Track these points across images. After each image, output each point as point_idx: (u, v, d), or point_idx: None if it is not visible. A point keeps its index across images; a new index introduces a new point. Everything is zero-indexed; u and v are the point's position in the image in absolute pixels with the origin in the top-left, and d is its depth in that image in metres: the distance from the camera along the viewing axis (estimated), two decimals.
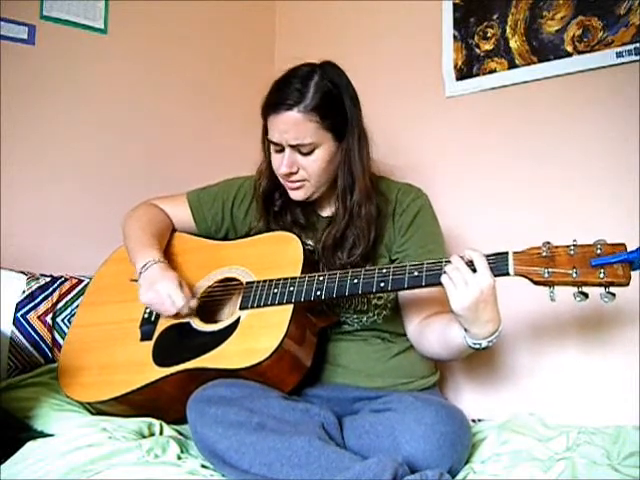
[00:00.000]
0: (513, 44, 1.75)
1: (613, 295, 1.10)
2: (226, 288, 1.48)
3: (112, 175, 1.97)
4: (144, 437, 1.28)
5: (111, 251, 1.65)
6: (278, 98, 1.37)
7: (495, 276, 1.16)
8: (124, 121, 2.02)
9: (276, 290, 1.35)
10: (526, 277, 1.16)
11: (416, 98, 1.97)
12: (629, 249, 1.10)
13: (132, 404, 1.37)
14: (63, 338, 1.65)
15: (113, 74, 2.01)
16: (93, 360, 1.45)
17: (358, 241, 1.41)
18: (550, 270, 1.13)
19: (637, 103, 1.53)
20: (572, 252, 1.13)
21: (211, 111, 2.22)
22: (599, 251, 1.11)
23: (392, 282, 1.26)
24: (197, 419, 1.20)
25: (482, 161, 1.82)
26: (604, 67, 1.59)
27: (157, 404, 1.38)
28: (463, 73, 1.85)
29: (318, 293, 1.31)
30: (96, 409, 1.41)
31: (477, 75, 1.82)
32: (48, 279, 1.71)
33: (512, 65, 1.76)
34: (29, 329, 1.65)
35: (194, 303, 1.41)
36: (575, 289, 1.13)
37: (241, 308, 1.37)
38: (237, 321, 1.36)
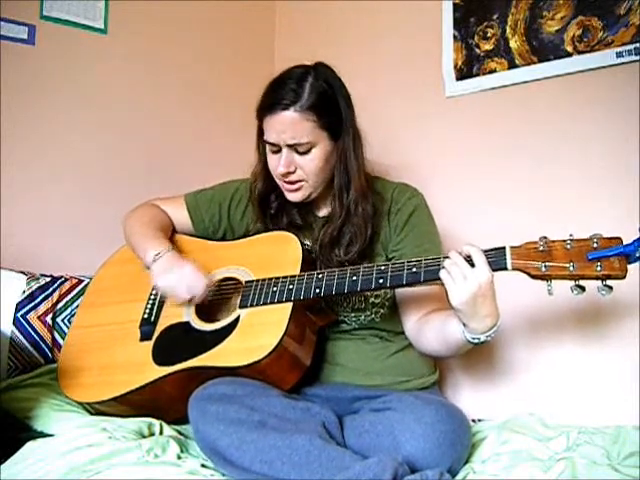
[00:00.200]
0: (513, 44, 1.75)
1: (610, 288, 1.12)
2: (226, 288, 1.48)
3: (112, 175, 1.97)
4: (144, 437, 1.28)
5: (111, 251, 1.65)
6: (274, 99, 1.38)
7: (493, 271, 1.18)
8: (124, 121, 2.02)
9: (275, 288, 1.35)
10: (524, 271, 1.17)
11: (416, 98, 1.97)
12: (625, 242, 1.11)
13: (132, 404, 1.38)
14: (63, 338, 1.65)
15: (113, 74, 2.01)
16: (93, 361, 1.45)
17: (355, 239, 1.42)
18: (547, 264, 1.14)
19: (637, 103, 1.53)
20: (569, 246, 1.14)
21: (211, 111, 2.22)
22: (595, 245, 1.13)
23: (391, 278, 1.26)
24: (198, 417, 1.20)
25: (482, 161, 1.82)
26: (604, 67, 1.59)
27: (157, 404, 1.39)
28: (463, 73, 1.85)
29: (317, 291, 1.31)
30: (96, 410, 1.41)
31: (477, 75, 1.82)
32: (48, 279, 1.72)
33: (512, 65, 1.76)
34: (29, 329, 1.65)
35: (209, 289, 1.42)
36: (572, 283, 1.15)
37: (241, 307, 1.38)
38: (237, 320, 1.36)
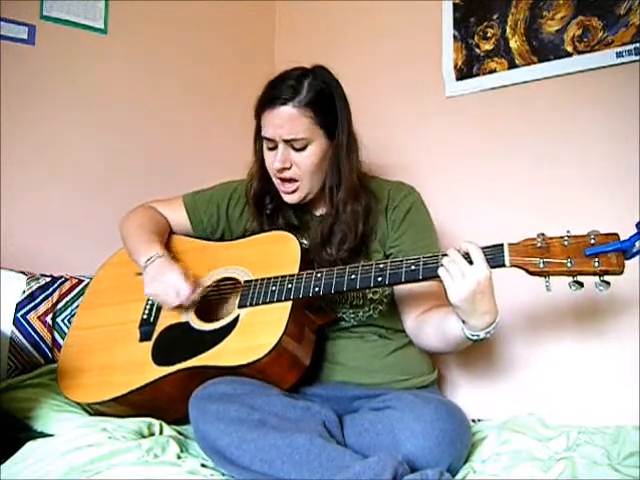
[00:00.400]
0: (513, 44, 1.75)
1: (608, 284, 1.13)
2: (225, 288, 1.48)
3: (112, 175, 1.97)
4: (144, 437, 1.28)
5: (111, 251, 1.65)
6: (272, 94, 1.41)
7: (491, 267, 1.18)
8: (124, 121, 2.02)
9: (274, 288, 1.35)
10: (522, 268, 1.18)
11: (416, 98, 1.97)
12: (622, 238, 1.12)
13: (132, 404, 1.38)
14: (63, 338, 1.65)
15: (113, 74, 2.01)
16: (93, 361, 1.46)
17: (345, 237, 1.43)
18: (545, 260, 1.16)
19: (637, 103, 1.53)
20: (566, 242, 1.15)
21: (211, 111, 2.22)
22: (593, 241, 1.14)
23: (389, 276, 1.27)
24: (199, 416, 1.21)
25: (482, 161, 1.82)
26: (604, 67, 1.59)
27: (157, 404, 1.39)
28: (463, 73, 1.85)
29: (316, 289, 1.32)
30: (95, 410, 1.41)
31: (477, 75, 1.82)
32: (48, 279, 1.72)
33: (512, 65, 1.76)
34: (29, 329, 1.65)
35: (197, 295, 1.42)
36: (570, 279, 1.16)
37: (240, 306, 1.38)
38: (236, 319, 1.36)
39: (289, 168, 1.42)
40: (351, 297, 1.44)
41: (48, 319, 1.67)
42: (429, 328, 1.38)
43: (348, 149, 1.44)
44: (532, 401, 1.59)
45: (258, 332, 1.32)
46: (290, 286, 1.34)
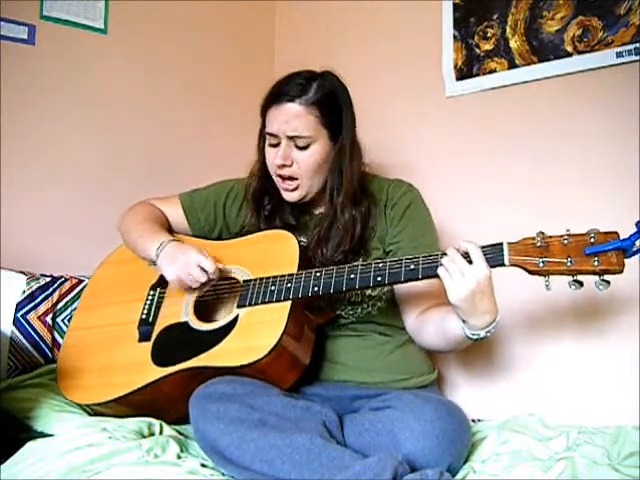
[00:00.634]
0: (513, 44, 1.75)
1: (608, 282, 1.13)
2: (223, 287, 1.48)
3: (112, 175, 1.97)
4: (144, 437, 1.28)
5: (111, 251, 1.65)
6: (280, 91, 1.42)
7: (491, 267, 1.18)
8: (124, 121, 2.02)
9: (273, 287, 1.35)
10: (521, 267, 1.18)
11: (416, 98, 1.97)
12: (622, 237, 1.12)
13: (132, 405, 1.38)
14: (63, 338, 1.65)
15: (113, 74, 2.01)
16: (92, 362, 1.45)
17: (341, 240, 1.43)
18: (545, 260, 1.15)
19: (637, 103, 1.53)
20: (566, 241, 1.15)
21: (211, 111, 2.22)
22: (593, 240, 1.13)
23: (389, 276, 1.27)
24: (199, 416, 1.21)
25: (482, 161, 1.82)
26: (604, 67, 1.59)
27: (157, 404, 1.39)
28: (463, 73, 1.85)
29: (315, 289, 1.32)
30: (95, 411, 1.41)
31: (477, 75, 1.82)
32: (48, 279, 1.71)
33: (512, 65, 1.76)
34: (29, 329, 1.65)
35: (220, 267, 1.42)
36: (570, 278, 1.15)
37: (239, 306, 1.38)
38: (235, 319, 1.36)
39: (290, 166, 1.43)
40: (349, 294, 1.44)
41: (48, 319, 1.67)
42: (429, 327, 1.39)
43: (351, 154, 1.45)
44: (532, 401, 1.59)
45: (257, 332, 1.32)
46: (289, 286, 1.34)
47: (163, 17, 2.11)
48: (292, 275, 1.35)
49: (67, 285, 1.73)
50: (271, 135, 1.43)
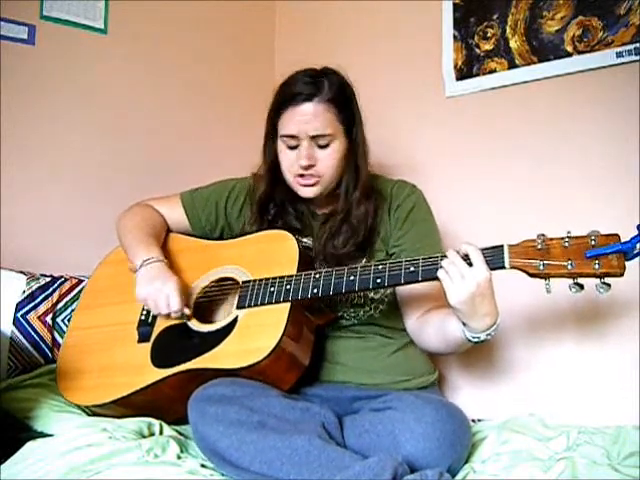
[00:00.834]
0: (513, 44, 1.75)
1: (608, 285, 1.12)
2: (222, 288, 1.48)
3: (112, 175, 1.97)
4: (144, 437, 1.28)
5: (110, 251, 1.65)
6: (293, 92, 1.40)
7: (491, 269, 1.18)
8: (124, 121, 2.02)
9: (272, 289, 1.35)
10: (522, 270, 1.17)
11: (416, 98, 1.97)
12: (622, 240, 1.11)
13: (131, 406, 1.37)
14: (63, 338, 1.65)
15: (113, 74, 2.00)
16: (92, 363, 1.45)
17: (354, 233, 1.43)
18: (545, 262, 1.15)
19: (637, 103, 1.53)
20: (566, 244, 1.14)
21: (211, 111, 2.22)
22: (593, 242, 1.13)
23: (388, 278, 1.26)
24: (198, 418, 1.20)
25: (482, 161, 1.82)
26: (604, 67, 1.59)
27: (156, 405, 1.38)
28: (463, 73, 1.85)
29: (315, 291, 1.31)
30: (94, 412, 1.41)
31: (477, 75, 1.82)
32: (48, 279, 1.71)
33: (512, 65, 1.76)
34: (29, 329, 1.65)
35: (187, 311, 1.41)
36: (570, 281, 1.15)
37: (238, 307, 1.38)
38: (234, 321, 1.36)
39: (314, 165, 1.41)
40: (352, 296, 1.44)
41: (48, 319, 1.67)
42: (430, 329, 1.38)
43: (364, 149, 1.46)
44: (533, 402, 1.58)
45: (257, 334, 1.31)
46: (289, 287, 1.33)
47: (163, 17, 2.11)
48: (291, 276, 1.35)
49: (67, 285, 1.73)
50: (290, 137, 1.41)
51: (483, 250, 1.20)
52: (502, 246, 1.19)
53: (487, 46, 1.81)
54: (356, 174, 1.45)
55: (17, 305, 1.64)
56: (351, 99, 1.45)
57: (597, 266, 1.11)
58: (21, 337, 1.63)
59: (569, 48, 1.65)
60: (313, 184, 1.44)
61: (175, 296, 1.37)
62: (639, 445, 1.24)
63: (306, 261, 1.41)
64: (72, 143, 1.92)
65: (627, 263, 1.11)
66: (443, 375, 1.77)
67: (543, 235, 1.17)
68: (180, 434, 1.35)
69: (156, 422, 1.34)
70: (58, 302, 1.70)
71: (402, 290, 1.45)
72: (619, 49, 1.56)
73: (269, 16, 2.41)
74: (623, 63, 1.56)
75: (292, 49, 2.31)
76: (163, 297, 1.37)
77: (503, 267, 1.18)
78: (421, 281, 1.25)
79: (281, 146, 1.45)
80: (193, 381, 1.30)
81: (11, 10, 1.80)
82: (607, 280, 1.12)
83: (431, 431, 1.13)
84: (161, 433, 1.33)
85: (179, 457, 1.22)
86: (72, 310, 1.69)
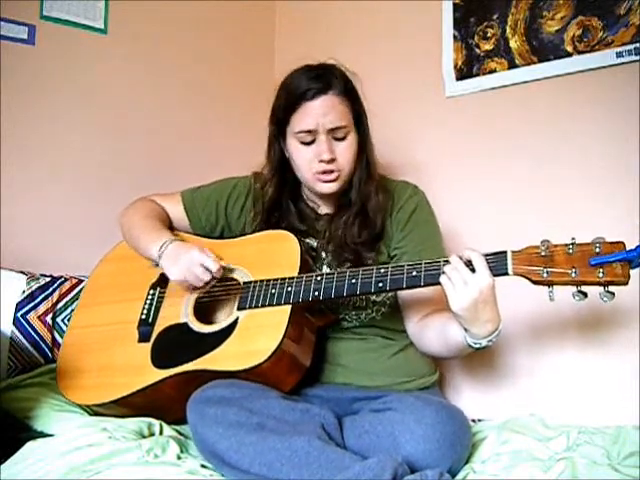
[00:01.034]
0: (513, 44, 1.75)
1: (612, 294, 1.10)
2: (223, 288, 1.47)
3: (112, 175, 1.97)
4: (144, 437, 1.28)
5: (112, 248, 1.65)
6: (304, 88, 1.38)
7: (494, 276, 1.16)
8: (124, 121, 2.02)
9: (274, 290, 1.34)
10: (525, 277, 1.15)
11: (416, 98, 1.97)
12: (628, 248, 1.10)
13: (131, 406, 1.37)
14: (63, 338, 1.65)
15: (113, 74, 2.00)
16: (92, 362, 1.45)
17: (369, 223, 1.43)
18: (549, 270, 1.13)
19: (637, 103, 1.53)
20: (571, 251, 1.13)
21: (211, 111, 2.22)
22: (598, 250, 1.11)
23: (390, 282, 1.26)
24: (197, 420, 1.20)
25: (482, 161, 1.82)
26: (604, 67, 1.59)
27: (156, 405, 1.38)
28: (463, 73, 1.85)
29: (316, 293, 1.31)
30: (95, 411, 1.41)
31: (477, 75, 1.82)
32: (48, 279, 1.71)
33: (512, 65, 1.76)
34: (29, 329, 1.65)
35: (223, 265, 1.40)
36: (574, 288, 1.13)
37: (239, 309, 1.37)
38: (235, 322, 1.35)
39: (335, 159, 1.40)
40: (354, 299, 1.43)
41: (48, 319, 1.67)
42: (431, 333, 1.37)
43: (372, 143, 1.46)
44: (534, 406, 1.57)
45: (257, 336, 1.31)
46: (290, 289, 1.33)
47: (163, 17, 2.11)
48: (292, 278, 1.34)
49: (67, 285, 1.73)
50: (307, 132, 1.39)
51: (486, 256, 1.18)
52: (505, 252, 1.18)
53: (487, 46, 1.81)
54: (368, 167, 1.45)
55: (17, 305, 1.65)
56: (357, 92, 1.45)
57: (601, 274, 1.09)
58: (21, 337, 1.63)
59: (569, 48, 1.65)
60: (334, 179, 1.42)
61: (207, 258, 1.37)
62: (639, 445, 1.24)
63: (308, 262, 1.40)
64: (72, 143, 1.92)
65: (631, 272, 1.09)
66: (445, 376, 1.77)
67: (547, 241, 1.15)
68: (180, 434, 1.35)
69: (156, 422, 1.34)
70: (58, 302, 1.70)
71: (403, 293, 1.45)
72: (619, 49, 1.56)
73: (269, 16, 2.41)
74: (623, 63, 1.56)
75: (292, 49, 2.30)
76: (197, 266, 1.37)
77: (506, 274, 1.16)
78: (423, 286, 1.24)
79: (295, 144, 1.43)
80: (193, 382, 1.29)
81: (11, 10, 1.80)
82: (611, 288, 1.10)
83: (431, 433, 1.13)
84: (161, 433, 1.33)
85: (179, 457, 1.22)
86: (72, 310, 1.68)
